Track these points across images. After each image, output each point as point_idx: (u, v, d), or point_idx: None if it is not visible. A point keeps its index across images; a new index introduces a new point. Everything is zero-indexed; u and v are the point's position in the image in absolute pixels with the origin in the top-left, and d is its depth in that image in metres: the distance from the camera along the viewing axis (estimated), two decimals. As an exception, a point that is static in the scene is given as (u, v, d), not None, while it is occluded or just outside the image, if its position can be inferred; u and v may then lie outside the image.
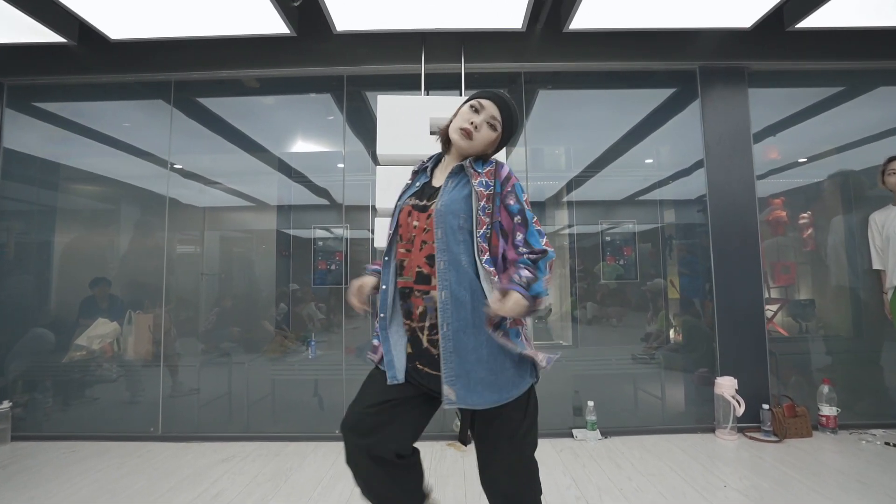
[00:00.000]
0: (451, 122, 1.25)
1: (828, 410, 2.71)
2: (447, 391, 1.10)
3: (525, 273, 1.08)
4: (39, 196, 3.34)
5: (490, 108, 1.22)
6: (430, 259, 1.13)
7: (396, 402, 1.16)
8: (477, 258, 1.11)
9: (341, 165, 3.23)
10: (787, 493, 2.01)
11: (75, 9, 2.45)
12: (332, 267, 3.19)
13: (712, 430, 2.78)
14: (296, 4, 2.61)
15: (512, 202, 1.15)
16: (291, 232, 3.47)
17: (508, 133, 1.27)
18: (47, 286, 3.28)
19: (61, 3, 2.40)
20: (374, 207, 2.83)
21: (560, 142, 3.61)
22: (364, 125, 3.21)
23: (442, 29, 2.72)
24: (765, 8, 2.51)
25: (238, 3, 2.42)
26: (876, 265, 2.84)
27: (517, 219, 1.14)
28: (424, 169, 1.30)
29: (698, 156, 3.08)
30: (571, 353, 3.30)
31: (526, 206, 1.17)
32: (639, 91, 3.34)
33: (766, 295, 3.26)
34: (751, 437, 2.67)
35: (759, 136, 3.17)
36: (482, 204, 1.13)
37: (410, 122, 2.53)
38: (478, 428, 1.18)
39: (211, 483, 2.20)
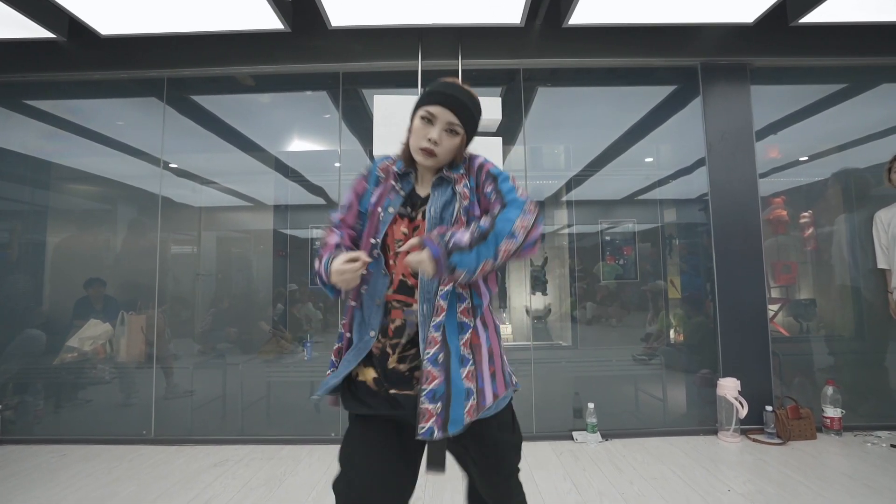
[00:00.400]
0: (408, 136, 1.13)
1: (832, 412, 2.67)
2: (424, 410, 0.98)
3: (461, 237, 0.96)
4: (31, 195, 3.29)
5: (443, 114, 1.06)
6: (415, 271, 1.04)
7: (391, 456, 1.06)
8: None
9: (338, 164, 3.19)
10: (792, 498, 1.96)
11: (64, 3, 2.40)
12: (331, 266, 3.13)
13: (715, 433, 2.73)
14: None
15: (489, 189, 1.06)
16: (288, 232, 3.42)
17: (472, 130, 1.13)
18: (40, 287, 3.22)
19: (50, -3, 2.36)
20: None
21: (559, 140, 3.56)
22: (360, 123, 3.17)
23: (439, 24, 2.67)
24: (768, 2, 2.46)
25: (230, -3, 2.37)
26: (881, 264, 2.80)
27: (493, 196, 1.04)
28: (406, 174, 1.15)
29: (700, 154, 3.04)
30: (571, 353, 3.25)
31: (503, 183, 1.05)
32: (640, 88, 3.30)
33: (767, 294, 3.22)
34: (754, 440, 2.62)
35: (762, 134, 3.12)
36: (465, 204, 1.06)
37: (407, 121, 2.47)
38: (464, 444, 1.08)
39: (203, 488, 2.15)
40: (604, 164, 3.40)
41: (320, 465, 2.41)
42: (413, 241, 0.97)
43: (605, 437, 2.72)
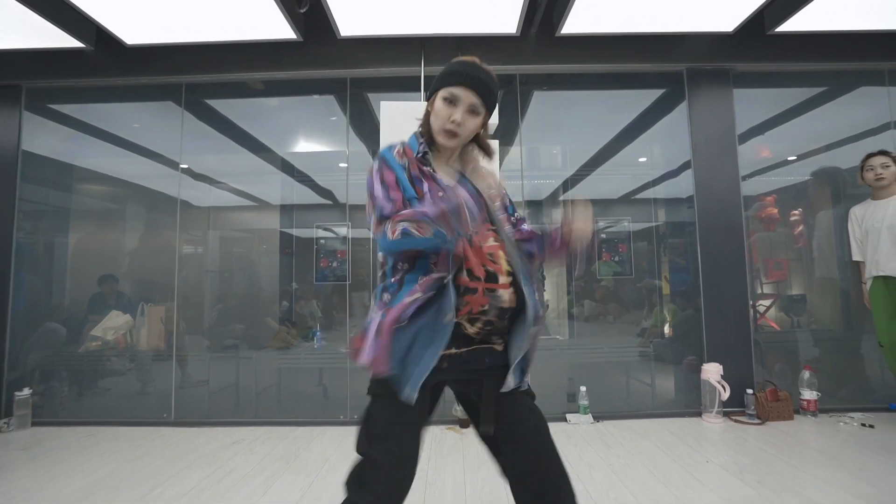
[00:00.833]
0: (427, 118, 1.14)
1: (808, 395, 2.85)
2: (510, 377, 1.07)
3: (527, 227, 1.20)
4: (55, 197, 3.48)
5: (466, 96, 1.08)
6: (491, 256, 1.07)
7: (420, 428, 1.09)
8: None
9: (343, 165, 3.37)
10: (764, 467, 2.14)
11: (94, 15, 2.60)
12: (334, 264, 3.33)
13: (699, 415, 2.92)
14: (303, 11, 2.75)
15: (508, 203, 1.24)
16: (294, 231, 3.61)
17: (492, 109, 1.15)
18: (62, 283, 3.42)
19: (80, 9, 2.55)
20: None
21: (555, 142, 3.75)
22: (365, 126, 3.36)
23: (440, 34, 2.86)
24: (746, 13, 2.66)
25: (248, 9, 2.56)
26: (856, 257, 2.98)
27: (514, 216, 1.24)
28: (426, 158, 1.12)
29: (688, 155, 3.22)
30: (568, 343, 3.43)
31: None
32: (630, 92, 3.48)
33: (759, 290, 3.41)
34: (735, 420, 2.81)
35: (747, 136, 3.31)
36: (496, 204, 1.18)
37: (412, 125, 2.67)
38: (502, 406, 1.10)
39: (224, 461, 2.34)
40: (598, 164, 3.59)
41: (332, 443, 2.60)
42: (567, 219, 1.11)
43: (597, 418, 2.90)
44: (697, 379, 2.98)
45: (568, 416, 2.93)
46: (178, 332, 3.19)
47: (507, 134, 3.29)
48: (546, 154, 3.81)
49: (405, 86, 3.21)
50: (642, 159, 3.65)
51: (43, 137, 3.34)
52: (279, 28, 2.73)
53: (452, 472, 2.16)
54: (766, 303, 3.46)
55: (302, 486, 2.04)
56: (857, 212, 2.98)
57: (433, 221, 0.96)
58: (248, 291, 3.65)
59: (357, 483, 1.03)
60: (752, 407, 2.80)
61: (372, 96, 3.35)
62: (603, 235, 3.43)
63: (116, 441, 2.68)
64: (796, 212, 3.46)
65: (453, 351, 1.04)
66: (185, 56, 3.07)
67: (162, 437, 2.76)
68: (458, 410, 2.77)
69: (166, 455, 2.47)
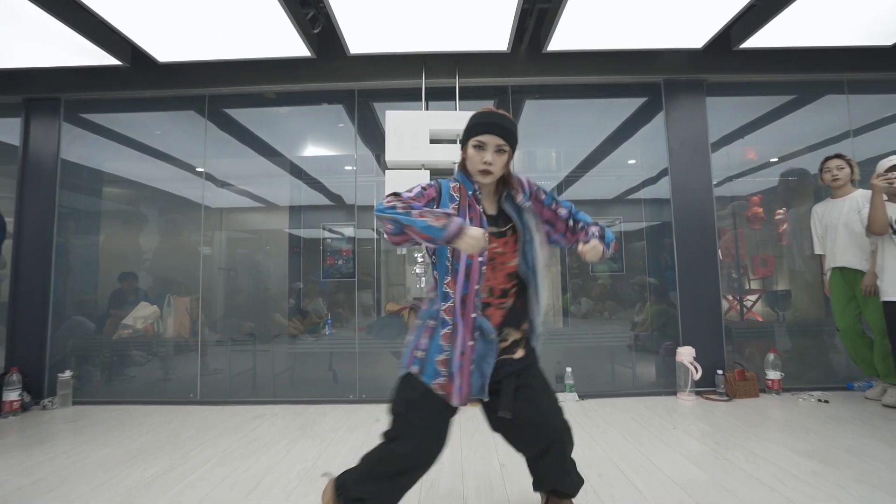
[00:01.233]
0: (463, 163, 1.40)
1: (773, 375, 3.15)
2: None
3: (595, 229, 1.41)
4: (87, 202, 3.80)
5: (491, 140, 1.33)
6: (509, 276, 1.39)
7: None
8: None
9: (349, 168, 3.69)
10: (724, 433, 2.45)
11: (131, 36, 2.92)
12: (340, 262, 3.64)
13: (674, 394, 3.22)
14: (316, 31, 3.07)
15: (543, 196, 1.46)
16: (302, 232, 3.92)
17: (515, 144, 1.39)
18: (94, 281, 3.74)
19: (118, 29, 2.87)
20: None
21: (548, 145, 4.05)
22: (371, 132, 3.68)
23: (439, 51, 3.18)
24: (712, 31, 2.97)
25: (269, 29, 2.88)
26: (818, 250, 3.27)
27: (553, 204, 1.46)
28: (475, 198, 1.38)
29: (666, 161, 3.52)
30: (562, 334, 3.71)
31: (549, 192, 1.48)
32: (613, 100, 3.79)
33: (747, 286, 3.71)
34: (706, 398, 3.11)
35: (726, 140, 3.61)
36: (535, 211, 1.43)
37: (414, 133, 3.04)
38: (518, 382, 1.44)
39: (250, 430, 2.65)
40: (588, 167, 3.89)
41: (342, 417, 2.91)
42: (581, 246, 1.36)
43: (582, 397, 3.21)
44: (674, 362, 3.27)
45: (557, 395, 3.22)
46: (201, 322, 3.51)
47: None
48: (542, 157, 4.11)
49: (408, 96, 3.52)
50: (631, 161, 3.95)
51: (77, 146, 3.67)
52: (295, 46, 3.05)
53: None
54: (753, 298, 3.75)
55: (319, 448, 2.35)
56: (818, 210, 3.28)
57: (437, 217, 1.16)
58: (258, 288, 3.96)
59: (393, 435, 1.36)
60: (722, 386, 3.10)
61: (377, 105, 3.67)
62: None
63: (150, 416, 3.00)
64: (781, 211, 3.75)
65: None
66: (211, 71, 3.40)
67: (191, 413, 3.07)
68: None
69: (197, 426, 2.78)
